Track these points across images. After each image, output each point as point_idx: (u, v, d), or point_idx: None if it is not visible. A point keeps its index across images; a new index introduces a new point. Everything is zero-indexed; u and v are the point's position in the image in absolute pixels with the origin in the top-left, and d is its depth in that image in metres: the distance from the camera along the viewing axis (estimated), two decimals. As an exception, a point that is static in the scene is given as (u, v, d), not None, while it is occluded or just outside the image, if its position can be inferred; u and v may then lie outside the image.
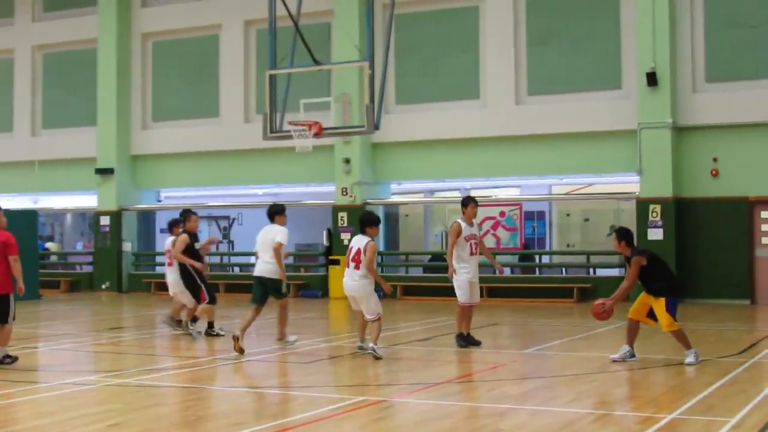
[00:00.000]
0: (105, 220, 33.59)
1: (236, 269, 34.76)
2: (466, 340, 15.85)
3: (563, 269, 29.69)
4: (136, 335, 18.97)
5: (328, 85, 29.09)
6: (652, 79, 25.70)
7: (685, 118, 26.08)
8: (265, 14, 22.16)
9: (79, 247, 38.63)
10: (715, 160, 25.82)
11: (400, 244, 32.31)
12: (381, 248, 30.11)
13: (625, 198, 27.85)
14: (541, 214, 31.69)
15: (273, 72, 21.44)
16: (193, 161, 32.92)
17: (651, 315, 13.74)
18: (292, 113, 21.91)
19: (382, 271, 29.90)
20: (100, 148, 33.63)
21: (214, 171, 32.65)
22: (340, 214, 29.66)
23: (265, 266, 16.13)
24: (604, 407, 10.65)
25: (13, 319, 14.06)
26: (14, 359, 14.13)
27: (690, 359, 13.44)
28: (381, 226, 29.74)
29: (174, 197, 35.39)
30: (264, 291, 16.03)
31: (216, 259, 34.39)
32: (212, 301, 17.85)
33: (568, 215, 31.66)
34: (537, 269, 29.97)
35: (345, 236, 29.33)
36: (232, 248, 36.53)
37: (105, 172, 33.30)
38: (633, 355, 13.85)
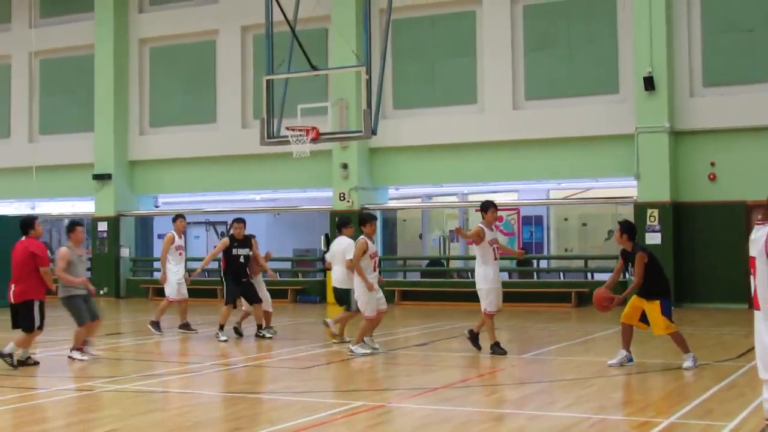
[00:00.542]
0: (103, 226, 33.60)
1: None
2: (500, 348, 15.45)
3: (561, 274, 29.70)
4: (133, 341, 18.95)
5: (326, 90, 29.12)
6: (649, 83, 25.73)
7: (683, 123, 26.10)
8: (262, 20, 22.17)
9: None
10: (712, 164, 25.84)
11: (398, 249, 32.32)
12: (379, 253, 30.04)
13: (623, 202, 27.88)
14: (538, 219, 31.72)
15: (270, 77, 21.43)
16: (191, 167, 32.92)
17: (644, 319, 13.74)
18: (289, 118, 21.90)
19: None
20: (98, 154, 33.64)
21: (211, 176, 32.65)
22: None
23: (335, 275, 17.65)
24: (602, 412, 10.64)
25: (40, 328, 14.49)
26: (35, 362, 14.51)
27: (688, 363, 13.44)
28: (378, 231, 30.04)
29: (171, 203, 35.37)
30: (339, 298, 17.51)
31: (213, 265, 34.20)
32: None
33: (565, 220, 31.71)
34: (535, 274, 29.97)
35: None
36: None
37: (102, 177, 33.31)
38: (630, 360, 13.85)
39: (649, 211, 25.83)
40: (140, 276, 34.07)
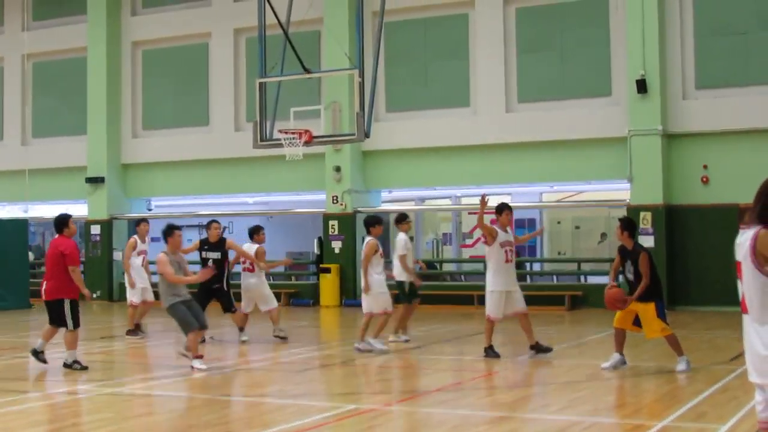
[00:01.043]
0: (96, 229, 33.56)
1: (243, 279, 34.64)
2: (493, 351, 15.42)
3: (554, 277, 29.72)
4: (127, 344, 18.93)
5: (318, 93, 29.11)
6: (642, 86, 25.76)
7: (676, 125, 26.13)
8: (255, 22, 22.13)
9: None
10: (705, 167, 25.87)
11: (391, 253, 32.27)
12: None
13: (616, 205, 27.89)
14: (532, 222, 31.75)
15: (263, 80, 21.41)
16: (184, 170, 32.90)
17: (637, 322, 13.77)
18: (282, 121, 21.89)
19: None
20: (91, 157, 33.60)
21: (204, 179, 32.62)
22: (331, 223, 29.64)
23: (393, 269, 18.55)
24: (596, 415, 10.66)
25: (77, 325, 14.60)
26: (83, 367, 14.48)
27: (681, 366, 13.46)
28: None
29: (165, 206, 35.36)
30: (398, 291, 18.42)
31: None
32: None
33: (558, 223, 31.75)
34: (528, 277, 29.98)
35: (336, 244, 29.35)
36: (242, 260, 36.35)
37: (95, 180, 33.27)
38: (624, 362, 13.87)
39: (642, 214, 25.84)
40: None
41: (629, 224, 14.03)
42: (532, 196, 31.45)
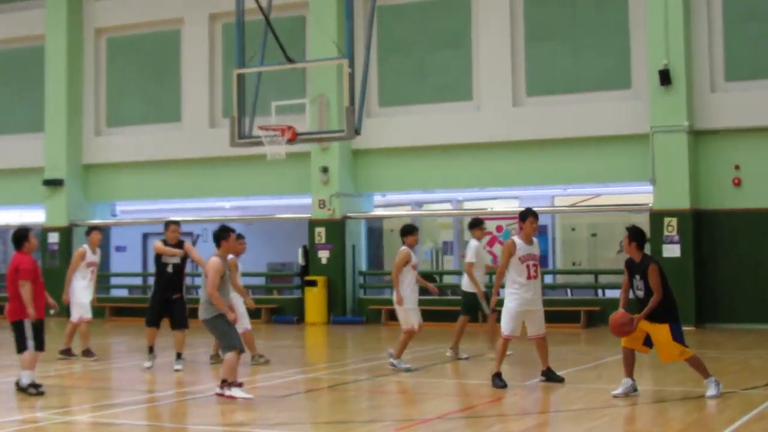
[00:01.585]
0: (54, 237, 33.42)
1: (200, 292, 34.53)
2: (500, 380, 14.95)
3: (568, 290, 29.63)
4: (87, 367, 18.79)
5: (303, 86, 29.07)
6: (665, 77, 25.67)
7: (703, 121, 26.06)
8: (232, 7, 22.10)
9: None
10: (737, 167, 25.82)
11: (385, 263, 32.21)
12: (363, 267, 30.06)
13: (637, 210, 27.81)
14: (542, 229, 31.58)
15: (241, 71, 21.38)
16: (153, 171, 32.79)
17: (648, 342, 13.62)
18: (262, 117, 21.83)
19: (364, 293, 29.84)
20: (49, 157, 33.47)
21: (175, 182, 32.51)
22: (318, 230, 29.55)
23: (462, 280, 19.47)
24: (616, 446, 10.56)
25: (40, 348, 14.73)
26: (39, 392, 14.44)
27: (711, 391, 13.35)
28: (363, 243, 30.04)
29: (131, 211, 35.24)
30: (467, 303, 19.26)
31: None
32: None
33: (573, 230, 31.66)
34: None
35: (323, 254, 29.23)
36: (197, 269, 36.28)
37: (54, 183, 33.14)
38: (635, 389, 13.72)
39: (667, 219, 25.76)
40: (96, 293, 33.76)
41: (637, 234, 13.86)
42: (543, 201, 31.31)
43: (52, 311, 15.98)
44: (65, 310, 19.97)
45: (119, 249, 35.87)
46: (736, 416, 11.96)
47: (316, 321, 28.69)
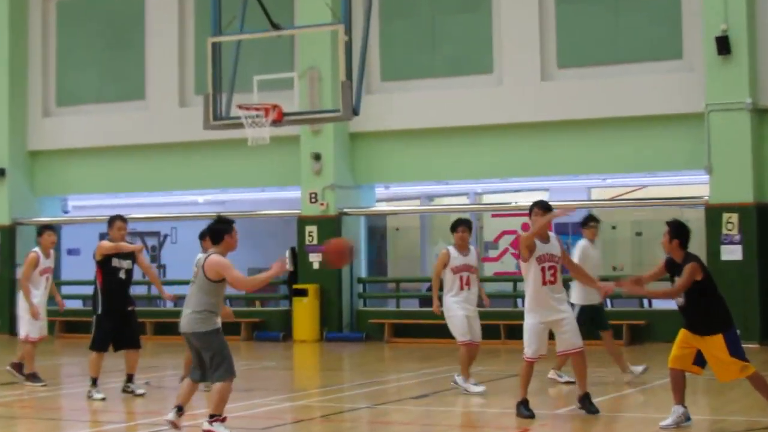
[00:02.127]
0: (-7, 238, 33.46)
1: (169, 304, 34.53)
2: (527, 409, 14.87)
3: (609, 300, 29.61)
4: (34, 394, 18.79)
5: (291, 57, 29.14)
6: (723, 45, 25.62)
7: (770, 98, 26.09)
8: (206, -37, 22.10)
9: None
10: (810, 153, 25.88)
11: (389, 268, 32.24)
12: (363, 273, 30.03)
13: (690, 204, 27.82)
14: (575, 227, 31.64)
15: (217, 39, 21.38)
16: (112, 159, 32.80)
17: (700, 361, 13.51)
18: (243, 94, 21.82)
19: (364, 305, 29.78)
20: (-13, 143, 33.53)
21: (139, 172, 32.52)
22: (308, 228, 29.53)
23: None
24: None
25: None
26: None
27: (781, 421, 13.30)
28: (362, 244, 29.98)
29: (86, 207, 35.26)
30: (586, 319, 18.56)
31: (141, 290, 34.03)
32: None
33: (613, 228, 31.59)
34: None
35: (315, 257, 29.14)
36: (164, 275, 36.33)
37: (-7, 173, 33.21)
38: (688, 418, 13.62)
39: (726, 215, 25.74)
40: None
41: (680, 230, 13.74)
42: (577, 193, 31.36)
43: None
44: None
45: (72, 252, 35.80)
46: (811, 452, 11.93)
47: (306, 338, 28.67)
